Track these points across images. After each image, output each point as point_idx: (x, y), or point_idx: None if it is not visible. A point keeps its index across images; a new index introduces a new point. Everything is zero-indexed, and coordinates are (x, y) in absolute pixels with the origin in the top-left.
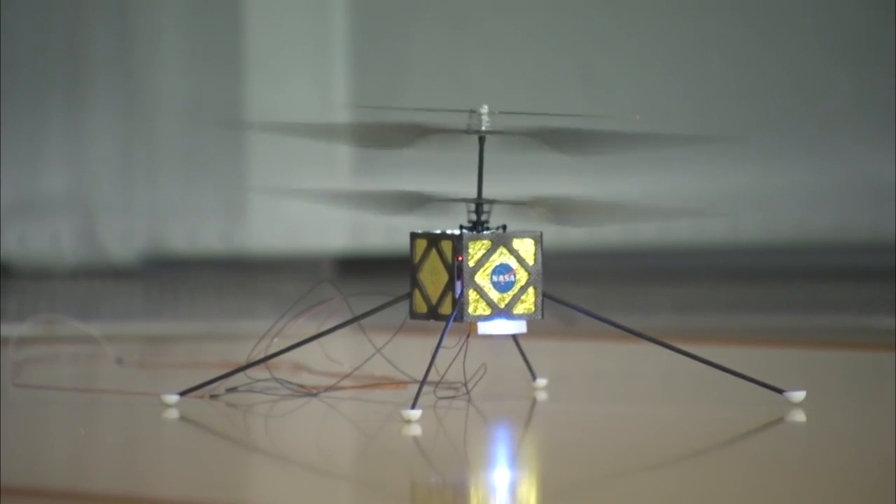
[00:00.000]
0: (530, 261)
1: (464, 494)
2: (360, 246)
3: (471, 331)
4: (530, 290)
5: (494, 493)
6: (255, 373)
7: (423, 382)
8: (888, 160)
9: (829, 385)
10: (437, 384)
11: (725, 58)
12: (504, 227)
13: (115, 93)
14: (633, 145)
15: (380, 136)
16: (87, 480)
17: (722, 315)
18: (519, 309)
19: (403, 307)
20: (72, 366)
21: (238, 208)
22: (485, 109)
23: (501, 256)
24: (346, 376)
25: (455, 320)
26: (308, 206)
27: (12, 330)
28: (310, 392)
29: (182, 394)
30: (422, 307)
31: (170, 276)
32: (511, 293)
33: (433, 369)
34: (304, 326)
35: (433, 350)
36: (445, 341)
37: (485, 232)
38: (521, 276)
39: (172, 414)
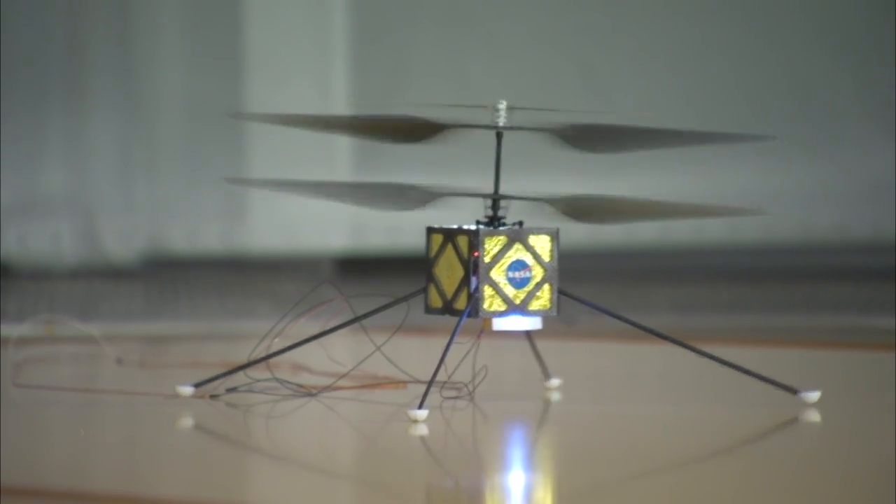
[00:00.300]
0: (546, 257)
1: (476, 496)
2: (360, 246)
3: (485, 327)
4: (546, 286)
5: (508, 495)
6: (255, 373)
7: (431, 381)
8: (888, 160)
9: (830, 385)
10: (442, 384)
11: (725, 58)
12: (521, 224)
13: (115, 93)
14: (658, 142)
15: (394, 131)
16: (87, 480)
17: (722, 315)
18: (534, 305)
19: (403, 307)
20: (72, 366)
21: (238, 208)
22: (503, 105)
23: (517, 252)
24: (343, 376)
25: (469, 316)
26: (308, 206)
27: (12, 330)
28: (310, 392)
29: (197, 385)
30: (437, 302)
31: (170, 276)
32: (526, 289)
33: (441, 368)
34: (305, 326)
35: (444, 348)
36: (456, 339)
37: (501, 228)
38: (537, 273)
39: (187, 405)
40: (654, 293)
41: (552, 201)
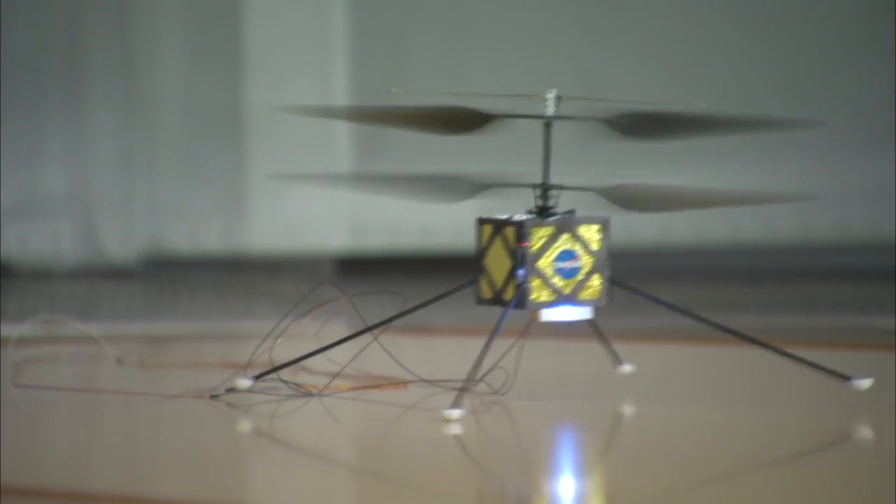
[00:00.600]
0: (595, 246)
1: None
2: (360, 246)
3: (533, 319)
4: (595, 276)
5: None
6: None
7: (470, 378)
8: (888, 160)
9: (830, 385)
10: (475, 381)
11: (725, 58)
12: (572, 213)
13: (115, 93)
14: (709, 129)
15: (442, 122)
16: (87, 480)
17: (722, 315)
18: (584, 295)
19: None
20: (72, 366)
21: (238, 208)
22: (552, 94)
23: (565, 243)
24: (336, 375)
25: (516, 307)
26: (308, 206)
27: (12, 330)
28: (310, 392)
29: (257, 378)
30: (487, 293)
31: (170, 276)
32: (576, 279)
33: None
34: (307, 326)
35: (486, 339)
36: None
37: (550, 218)
38: (586, 263)
39: (187, 405)
40: (655, 293)
41: (602, 190)
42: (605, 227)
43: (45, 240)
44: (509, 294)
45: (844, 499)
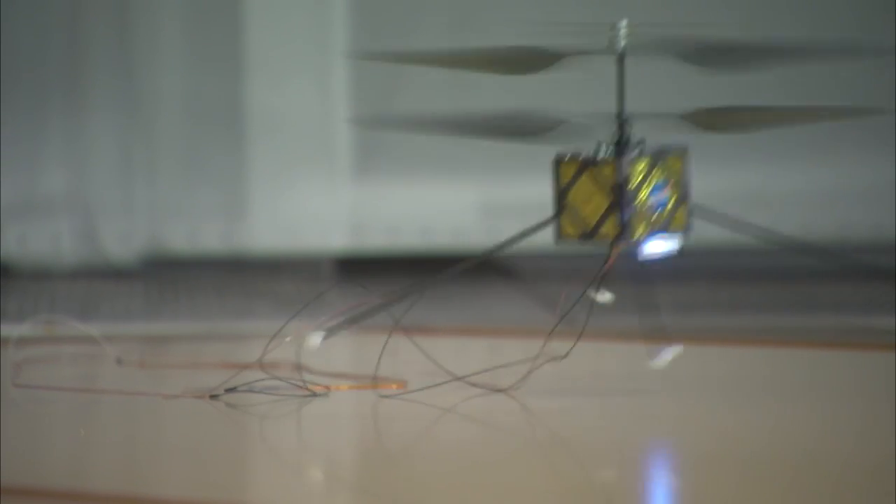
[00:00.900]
0: (678, 177)
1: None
2: (360, 246)
3: (616, 251)
4: (682, 207)
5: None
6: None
7: (559, 323)
8: (888, 161)
9: (830, 385)
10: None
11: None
12: (643, 142)
13: (115, 93)
14: (785, 59)
15: (511, 62)
16: (87, 480)
17: (722, 315)
18: (673, 226)
19: (402, 307)
20: (72, 366)
21: (238, 208)
22: (623, 24)
23: (658, 174)
24: (331, 374)
25: (619, 242)
26: (308, 206)
27: (12, 330)
28: (310, 392)
29: (326, 333)
30: (571, 230)
31: (170, 276)
32: (666, 210)
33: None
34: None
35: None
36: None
37: (636, 151)
38: (673, 193)
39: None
40: (654, 293)
41: (685, 116)
42: (685, 156)
43: (45, 240)
44: (609, 229)
45: (844, 499)
